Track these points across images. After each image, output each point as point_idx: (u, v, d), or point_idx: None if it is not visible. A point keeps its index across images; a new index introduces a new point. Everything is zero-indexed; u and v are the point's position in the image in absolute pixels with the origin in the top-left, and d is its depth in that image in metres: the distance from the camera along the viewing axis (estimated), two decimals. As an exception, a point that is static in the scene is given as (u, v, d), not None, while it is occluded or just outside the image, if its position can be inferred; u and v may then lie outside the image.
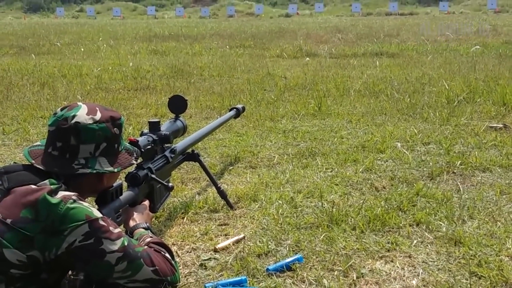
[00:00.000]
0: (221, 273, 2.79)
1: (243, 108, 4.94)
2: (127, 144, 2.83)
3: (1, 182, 2.42)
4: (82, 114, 2.53)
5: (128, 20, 44.16)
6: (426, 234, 3.20)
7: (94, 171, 2.53)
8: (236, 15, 49.26)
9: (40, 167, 2.47)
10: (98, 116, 2.56)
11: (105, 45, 16.49)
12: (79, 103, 2.61)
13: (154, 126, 3.37)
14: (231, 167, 4.68)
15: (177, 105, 3.71)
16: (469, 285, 2.58)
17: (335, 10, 52.00)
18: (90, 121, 2.53)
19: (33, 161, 2.51)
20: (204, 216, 3.59)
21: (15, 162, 2.70)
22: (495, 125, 5.78)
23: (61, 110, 2.58)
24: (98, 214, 2.41)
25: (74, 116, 2.51)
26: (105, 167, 2.57)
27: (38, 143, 2.67)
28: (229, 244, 3.12)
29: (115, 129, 2.62)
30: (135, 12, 57.36)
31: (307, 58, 13.04)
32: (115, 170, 2.62)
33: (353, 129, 5.89)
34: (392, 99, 7.32)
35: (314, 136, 5.62)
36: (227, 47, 16.20)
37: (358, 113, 6.62)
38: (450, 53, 13.38)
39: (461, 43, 15.84)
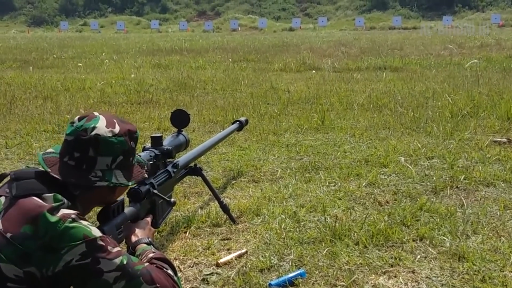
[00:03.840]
0: (223, 288, 2.78)
1: (246, 121, 4.93)
2: (138, 156, 2.82)
3: (9, 189, 2.41)
4: (101, 126, 2.51)
5: (132, 34, 44.28)
6: (430, 249, 3.18)
7: (111, 184, 2.52)
8: (239, 29, 49.35)
9: (56, 177, 2.46)
10: (117, 129, 2.54)
11: (107, 60, 16.49)
12: (96, 113, 2.59)
13: (156, 141, 3.36)
14: (234, 181, 4.67)
15: (180, 119, 3.70)
16: (473, 301, 2.56)
17: (338, 24, 52.03)
18: (110, 134, 2.51)
19: (49, 170, 2.49)
20: (207, 230, 3.58)
21: (27, 166, 2.69)
22: (499, 139, 5.75)
23: (79, 120, 2.56)
24: (96, 233, 2.38)
25: (94, 128, 2.50)
26: (120, 180, 2.56)
27: (51, 150, 2.65)
28: (232, 259, 3.10)
29: (131, 142, 2.61)
30: (139, 26, 57.49)
31: (313, 71, 13.08)
32: (130, 183, 2.61)
33: (356, 143, 5.88)
34: (396, 113, 7.31)
35: (317, 150, 5.61)
36: (230, 60, 16.21)
37: (361, 127, 6.61)
38: (454, 67, 13.38)
39: (465, 57, 15.81)
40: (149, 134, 3.61)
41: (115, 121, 2.57)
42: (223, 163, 5.20)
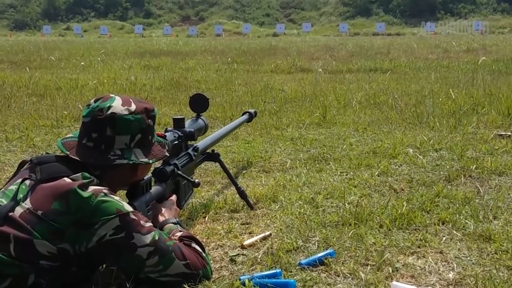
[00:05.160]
0: (253, 267, 2.75)
1: (255, 113, 4.92)
2: (159, 138, 2.82)
3: (34, 173, 2.41)
4: (117, 105, 2.52)
5: (115, 39, 44.16)
6: (454, 231, 3.18)
7: (131, 162, 2.51)
8: (223, 34, 49.42)
9: (76, 158, 2.46)
10: (133, 107, 2.55)
11: (93, 62, 16.42)
12: (112, 95, 2.60)
13: (178, 123, 3.35)
14: (244, 171, 4.65)
15: (199, 103, 3.69)
16: (511, 276, 2.55)
17: (322, 30, 52.27)
18: (126, 112, 2.52)
19: (68, 152, 2.49)
20: (225, 215, 3.55)
21: (47, 153, 2.67)
22: (503, 133, 5.77)
23: (95, 101, 2.57)
24: (129, 208, 2.39)
25: (109, 107, 2.51)
26: (140, 158, 2.56)
27: (71, 135, 2.66)
28: (256, 241, 3.08)
29: (149, 120, 2.62)
30: (122, 31, 57.41)
31: (320, 69, 13.12)
32: (150, 161, 2.61)
33: (361, 136, 5.88)
34: (396, 110, 7.32)
35: (322, 143, 5.60)
36: (221, 63, 16.19)
37: (363, 122, 6.61)
38: (444, 69, 13.48)
39: (452, 61, 15.94)
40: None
41: (131, 100, 2.60)
42: (230, 155, 5.18)
